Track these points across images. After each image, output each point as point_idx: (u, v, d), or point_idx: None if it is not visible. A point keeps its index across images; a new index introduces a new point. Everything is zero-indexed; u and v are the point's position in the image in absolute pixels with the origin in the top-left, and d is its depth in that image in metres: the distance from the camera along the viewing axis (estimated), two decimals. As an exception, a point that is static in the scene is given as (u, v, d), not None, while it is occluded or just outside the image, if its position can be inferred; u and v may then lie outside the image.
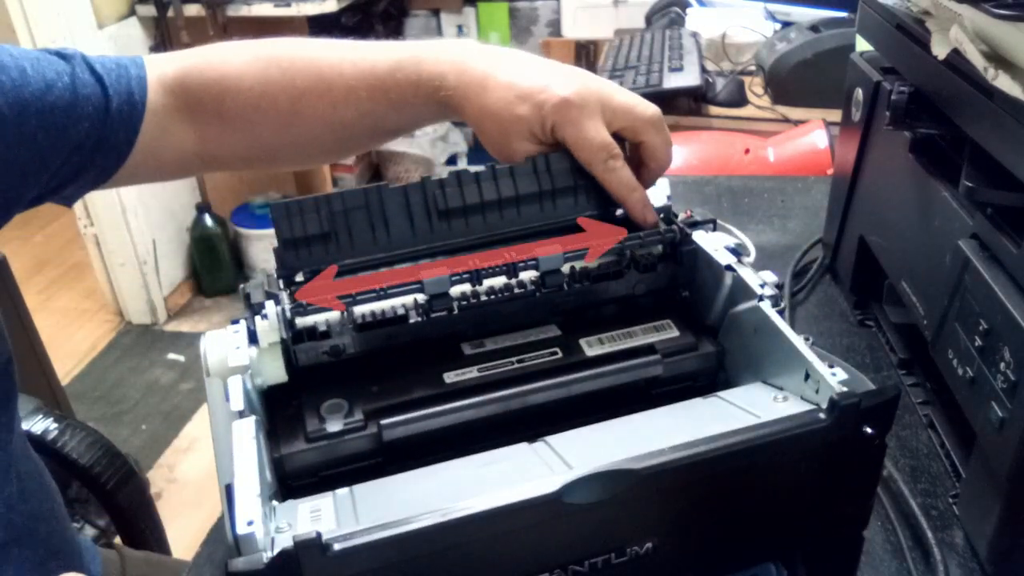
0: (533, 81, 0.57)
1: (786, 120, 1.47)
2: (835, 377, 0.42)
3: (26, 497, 0.63)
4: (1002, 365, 0.50)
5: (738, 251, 0.54)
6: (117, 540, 0.94)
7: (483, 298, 0.53)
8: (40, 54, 0.61)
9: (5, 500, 0.60)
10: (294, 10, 2.38)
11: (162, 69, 0.65)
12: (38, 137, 0.58)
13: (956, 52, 0.55)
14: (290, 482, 0.48)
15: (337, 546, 0.34)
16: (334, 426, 0.48)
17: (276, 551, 0.34)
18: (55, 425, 0.86)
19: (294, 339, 0.50)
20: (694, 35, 1.70)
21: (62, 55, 0.62)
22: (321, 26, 2.68)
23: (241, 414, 0.43)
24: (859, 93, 0.75)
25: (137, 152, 0.64)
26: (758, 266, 0.52)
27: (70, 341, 2.53)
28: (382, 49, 0.63)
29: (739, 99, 1.54)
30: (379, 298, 0.50)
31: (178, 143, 0.66)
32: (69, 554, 0.68)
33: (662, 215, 0.58)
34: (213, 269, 2.68)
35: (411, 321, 0.52)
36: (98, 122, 0.61)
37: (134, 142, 0.64)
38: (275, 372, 0.49)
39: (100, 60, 0.63)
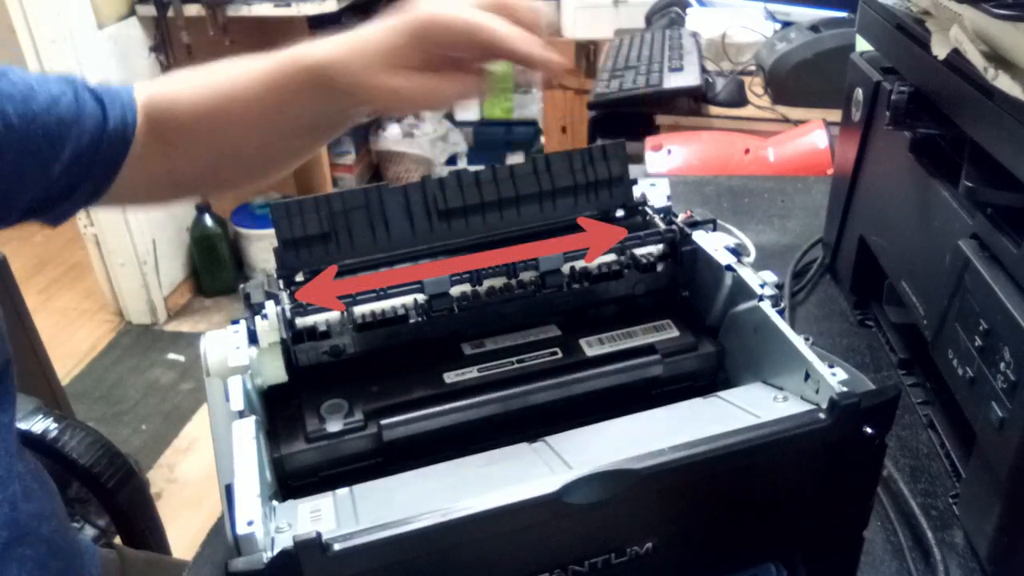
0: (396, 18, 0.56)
1: (786, 120, 1.47)
2: (835, 377, 0.42)
3: (28, 496, 0.63)
4: (1002, 365, 0.50)
5: (738, 251, 0.54)
6: (117, 540, 0.93)
7: (483, 298, 0.53)
8: (43, 75, 0.64)
9: (9, 499, 0.60)
10: (294, 10, 2.38)
11: (140, 96, 0.68)
12: (42, 146, 0.61)
13: (956, 52, 0.55)
14: (290, 482, 0.48)
15: (337, 546, 0.34)
16: (334, 426, 0.48)
17: (276, 551, 0.34)
18: (55, 425, 0.86)
19: (294, 339, 0.50)
20: (694, 35, 1.70)
21: (63, 77, 0.65)
22: (321, 26, 2.68)
23: (241, 414, 0.43)
24: (859, 93, 0.75)
25: (123, 174, 0.67)
26: (758, 266, 0.52)
27: (70, 341, 2.53)
28: (277, 55, 0.63)
29: (739, 99, 1.54)
30: (379, 298, 0.50)
31: (150, 167, 0.68)
32: (70, 554, 0.68)
33: (662, 215, 0.58)
34: (213, 269, 2.68)
35: (411, 321, 0.52)
36: (96, 138, 0.64)
37: (123, 163, 0.66)
38: (275, 372, 0.49)
39: (96, 85, 0.67)
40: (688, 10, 1.92)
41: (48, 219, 0.67)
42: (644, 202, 0.59)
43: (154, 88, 0.68)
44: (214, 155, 0.68)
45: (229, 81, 0.65)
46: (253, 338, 0.48)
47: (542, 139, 2.80)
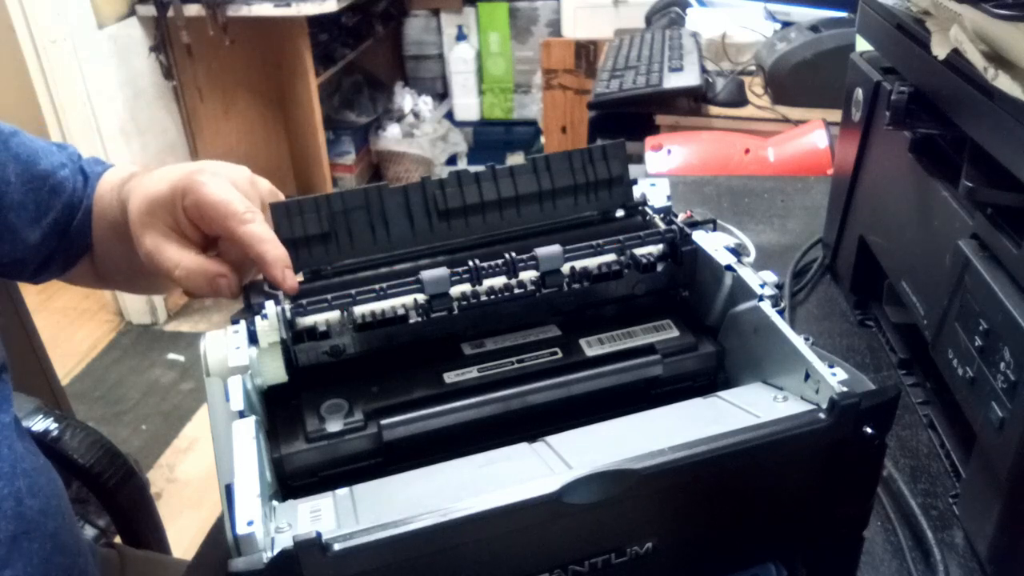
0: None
1: (786, 120, 1.47)
2: (835, 377, 0.42)
3: (35, 492, 0.64)
4: (1002, 365, 0.50)
5: (738, 251, 0.54)
6: (117, 540, 0.93)
7: (483, 298, 0.53)
8: (49, 143, 0.69)
9: (14, 494, 0.61)
10: (294, 10, 2.38)
11: (114, 177, 0.70)
12: (31, 210, 0.65)
13: (956, 52, 0.55)
14: (290, 482, 0.48)
15: (337, 546, 0.34)
16: (334, 426, 0.48)
17: (276, 551, 0.34)
18: (55, 425, 0.85)
19: (294, 339, 0.50)
20: (694, 35, 1.70)
21: (66, 148, 0.70)
22: (321, 26, 2.68)
23: (241, 414, 0.43)
24: (859, 93, 0.75)
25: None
26: (758, 266, 0.52)
27: (70, 341, 2.53)
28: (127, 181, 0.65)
29: (739, 99, 1.54)
30: (379, 298, 0.50)
31: (96, 250, 0.72)
32: (75, 551, 0.69)
33: (662, 215, 0.58)
34: (213, 269, 2.68)
35: (411, 321, 0.52)
36: (74, 212, 0.68)
37: (91, 239, 0.70)
38: (275, 372, 0.49)
39: (87, 160, 0.71)
40: (688, 10, 1.92)
41: (26, 279, 0.72)
42: (644, 202, 0.59)
43: (107, 181, 0.70)
44: (100, 254, 0.71)
45: (107, 189, 0.67)
46: (253, 338, 0.48)
47: (542, 139, 2.80)
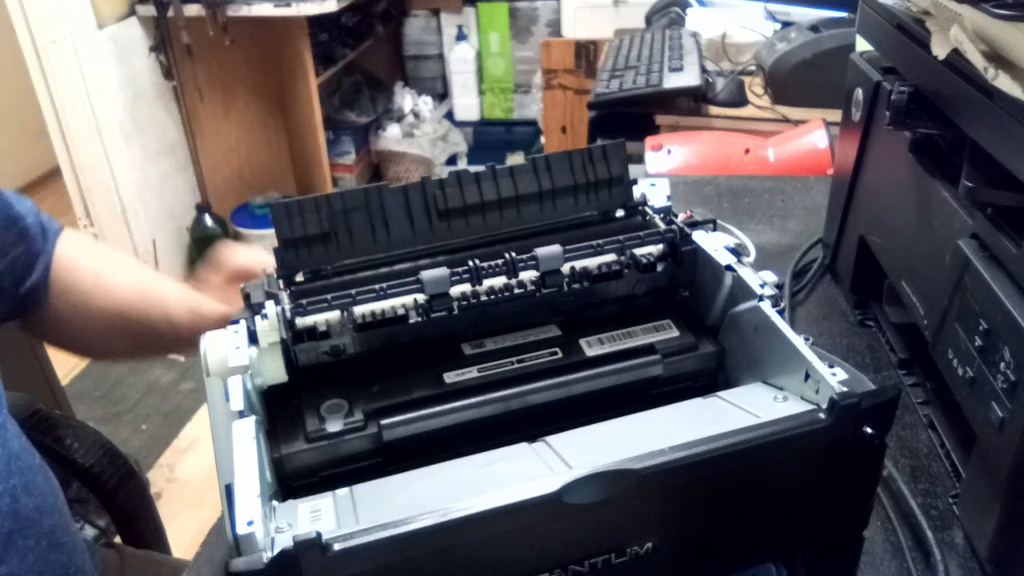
0: None
1: (786, 120, 1.47)
2: (835, 377, 0.42)
3: (30, 490, 0.64)
4: (1002, 365, 0.50)
5: (738, 251, 0.54)
6: (117, 540, 0.93)
7: (483, 298, 0.53)
8: (12, 192, 0.73)
9: (9, 491, 0.61)
10: (294, 10, 2.38)
11: (65, 243, 0.76)
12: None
13: (956, 52, 0.55)
14: (290, 482, 0.48)
15: (337, 546, 0.34)
16: (334, 426, 0.48)
17: (276, 551, 0.34)
18: (55, 425, 0.86)
19: (294, 339, 0.50)
20: (694, 35, 1.70)
21: (27, 200, 0.74)
22: (321, 26, 2.68)
23: (241, 414, 0.43)
24: (859, 93, 0.75)
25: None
26: (758, 266, 0.52)
27: (70, 341, 2.52)
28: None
29: (739, 99, 1.54)
30: (379, 298, 0.50)
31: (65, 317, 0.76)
32: (71, 549, 0.69)
33: (662, 215, 0.58)
34: (213, 269, 2.68)
35: (411, 321, 0.52)
36: (35, 259, 0.73)
37: (39, 291, 0.74)
38: (275, 372, 0.49)
39: (44, 216, 0.76)
40: (688, 10, 1.92)
41: None
42: (644, 202, 0.59)
43: (68, 247, 0.75)
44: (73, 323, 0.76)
45: (151, 293, 0.75)
46: (253, 338, 0.48)
47: (542, 139, 2.80)
